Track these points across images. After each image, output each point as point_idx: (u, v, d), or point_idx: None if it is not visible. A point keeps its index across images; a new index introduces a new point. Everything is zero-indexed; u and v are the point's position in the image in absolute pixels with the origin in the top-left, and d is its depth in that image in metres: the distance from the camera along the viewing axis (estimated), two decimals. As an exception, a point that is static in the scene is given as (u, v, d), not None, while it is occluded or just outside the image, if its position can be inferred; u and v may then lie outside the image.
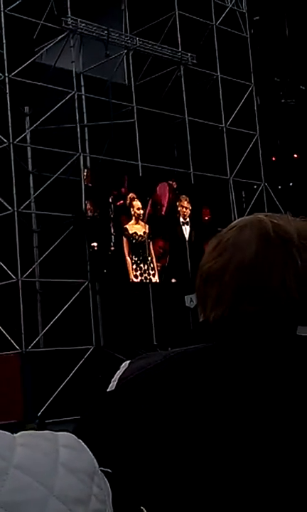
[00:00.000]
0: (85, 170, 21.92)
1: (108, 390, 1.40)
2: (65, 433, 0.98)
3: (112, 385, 1.40)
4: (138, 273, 21.60)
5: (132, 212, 21.69)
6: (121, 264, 21.31)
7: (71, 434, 0.98)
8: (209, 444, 1.25)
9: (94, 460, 0.96)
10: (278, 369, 1.32)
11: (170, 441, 1.27)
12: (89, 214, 21.26)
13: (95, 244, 20.99)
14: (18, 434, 0.94)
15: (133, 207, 21.77)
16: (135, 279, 21.52)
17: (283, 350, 1.34)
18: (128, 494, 1.18)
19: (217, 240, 1.48)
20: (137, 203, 21.69)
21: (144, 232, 21.79)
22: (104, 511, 0.92)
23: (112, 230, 21.36)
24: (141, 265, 21.65)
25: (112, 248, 21.33)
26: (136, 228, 21.52)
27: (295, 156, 27.77)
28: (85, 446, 0.97)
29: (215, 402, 1.29)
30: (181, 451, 1.26)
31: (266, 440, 1.24)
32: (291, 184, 27.57)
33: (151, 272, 21.90)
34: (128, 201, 21.71)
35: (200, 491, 1.23)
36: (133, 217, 21.72)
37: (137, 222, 21.66)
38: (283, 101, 27.81)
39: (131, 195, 21.81)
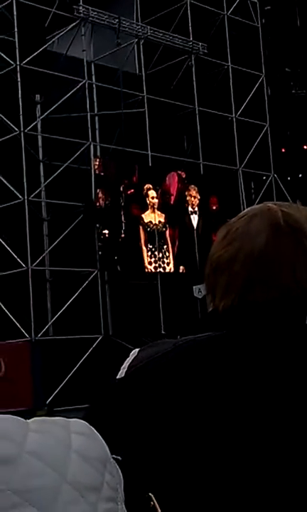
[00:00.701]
0: (97, 159, 21.90)
1: (117, 377, 1.41)
2: (77, 420, 0.99)
3: (121, 373, 1.41)
4: (152, 260, 21.80)
5: (148, 202, 21.93)
6: (132, 251, 21.48)
7: (83, 421, 0.99)
8: (217, 431, 1.26)
9: (106, 447, 0.97)
10: (288, 358, 1.32)
11: (178, 428, 1.28)
12: (101, 202, 21.31)
13: (106, 231, 21.14)
14: (31, 420, 0.95)
15: (148, 196, 22.01)
16: (149, 266, 21.66)
17: (292, 340, 1.34)
18: (137, 481, 1.19)
19: (226, 229, 1.48)
20: (152, 193, 21.94)
21: (159, 221, 21.96)
22: (115, 498, 0.92)
23: (123, 218, 21.47)
24: (156, 253, 21.85)
25: (123, 235, 21.44)
26: (152, 217, 21.78)
27: (305, 147, 27.67)
28: (97, 433, 0.98)
29: (224, 391, 1.29)
30: (189, 438, 1.27)
31: (274, 429, 1.25)
32: (300, 175, 27.47)
33: (166, 261, 22.08)
34: (144, 191, 21.94)
35: (208, 478, 1.24)
36: (149, 207, 21.92)
37: (153, 211, 21.90)
38: (293, 91, 27.68)
39: (147, 185, 21.99)
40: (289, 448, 1.24)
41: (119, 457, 1.06)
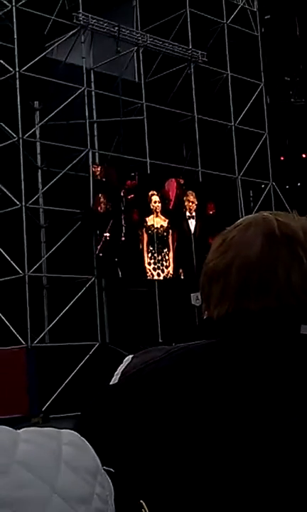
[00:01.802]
0: (99, 166, 22.13)
1: (111, 383, 1.40)
2: (69, 431, 0.98)
3: (115, 379, 1.41)
4: (152, 261, 22.22)
5: (151, 207, 22.49)
6: (132, 254, 21.87)
7: (75, 432, 0.98)
8: (211, 440, 1.25)
9: (97, 459, 0.96)
10: (281, 367, 1.31)
11: (172, 436, 1.27)
12: (102, 207, 21.61)
13: (107, 234, 21.51)
14: (22, 430, 0.94)
15: (151, 201, 22.56)
16: (148, 266, 22.05)
17: (286, 349, 1.34)
18: (129, 493, 1.18)
19: (222, 237, 1.48)
20: (156, 198, 22.51)
21: (161, 226, 22.50)
22: (105, 510, 0.91)
23: (123, 222, 21.89)
24: (155, 255, 22.30)
25: (123, 239, 21.82)
26: (154, 221, 22.37)
27: (304, 155, 27.71)
28: (88, 444, 0.97)
29: (217, 399, 1.28)
30: (182, 446, 1.26)
31: (267, 437, 1.24)
32: (298, 184, 27.51)
33: (165, 264, 22.53)
34: (149, 197, 22.54)
35: (202, 487, 1.23)
36: (153, 211, 22.54)
37: (157, 216, 22.47)
38: (292, 100, 27.75)
39: (151, 192, 22.53)
40: (283, 458, 1.23)
41: (111, 469, 1.05)
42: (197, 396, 1.30)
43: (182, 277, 22.78)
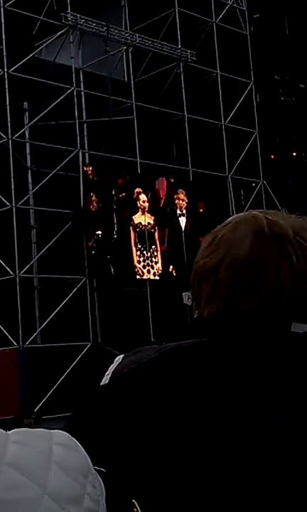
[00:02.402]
0: (91, 166, 22.25)
1: (101, 384, 1.40)
2: (59, 431, 0.98)
3: (105, 379, 1.40)
4: (141, 259, 22.51)
5: (138, 205, 22.80)
6: (123, 250, 22.17)
7: (65, 433, 0.97)
8: (201, 440, 1.24)
9: (88, 459, 0.95)
10: (272, 365, 1.31)
11: (163, 436, 1.27)
12: (94, 205, 21.85)
13: (99, 232, 21.78)
14: (12, 431, 0.93)
15: (139, 200, 22.82)
16: (138, 264, 22.38)
17: (277, 347, 1.33)
18: (121, 493, 1.17)
19: (211, 236, 1.47)
20: (143, 197, 22.79)
21: (148, 223, 22.84)
22: (97, 510, 0.91)
23: (115, 220, 22.20)
24: (144, 252, 22.61)
25: (115, 236, 22.17)
26: (141, 219, 22.68)
27: (294, 154, 27.76)
28: (79, 444, 0.96)
29: (208, 398, 1.28)
30: (173, 446, 1.25)
31: (259, 437, 1.24)
32: (289, 182, 27.56)
33: (154, 260, 22.84)
34: (135, 195, 22.79)
35: (194, 489, 1.23)
36: (140, 210, 22.79)
37: (143, 214, 22.77)
38: (282, 99, 27.79)
39: (137, 189, 22.81)
40: (273, 456, 1.23)
41: (103, 469, 1.04)
42: (188, 395, 1.29)
43: (174, 274, 22.90)
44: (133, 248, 22.44)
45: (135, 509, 1.15)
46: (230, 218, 1.50)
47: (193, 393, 1.29)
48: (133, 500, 1.16)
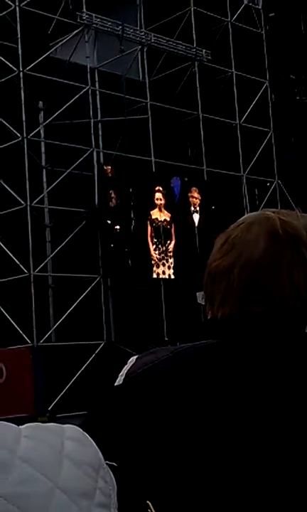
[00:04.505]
0: (110, 166, 22.56)
1: (115, 384, 1.41)
2: (70, 426, 0.99)
3: (119, 380, 1.41)
4: (157, 252, 23.03)
5: (155, 202, 23.36)
6: (140, 244, 22.73)
7: (77, 427, 0.98)
8: (214, 440, 1.25)
9: (100, 453, 0.96)
10: (285, 368, 1.32)
11: (176, 436, 1.27)
12: (113, 201, 22.30)
13: (118, 227, 22.31)
14: (24, 426, 0.94)
15: (155, 197, 23.35)
16: (154, 254, 23.02)
17: (291, 349, 1.34)
18: (133, 488, 1.18)
19: (224, 236, 1.48)
20: (159, 195, 23.37)
21: (164, 219, 23.36)
22: (108, 505, 0.92)
23: (132, 215, 22.75)
24: (160, 246, 23.16)
25: (132, 231, 22.74)
26: (158, 215, 23.27)
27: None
28: (91, 439, 0.97)
29: (221, 399, 1.29)
30: (186, 446, 1.26)
31: (270, 437, 1.24)
32: (304, 182, 27.46)
33: (169, 254, 23.31)
34: (151, 193, 23.35)
35: (206, 486, 1.23)
36: (157, 206, 23.34)
37: (160, 210, 23.35)
38: (297, 98, 27.70)
39: (157, 187, 23.34)
40: (287, 458, 1.23)
41: (114, 463, 1.05)
42: (200, 397, 1.30)
43: (187, 266, 23.20)
44: (150, 242, 23.07)
45: (149, 510, 1.16)
46: (243, 218, 1.50)
47: (206, 395, 1.30)
48: (148, 502, 1.16)
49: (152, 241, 23.06)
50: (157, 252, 23.01)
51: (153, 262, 22.82)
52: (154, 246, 23.00)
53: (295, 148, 27.58)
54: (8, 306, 20.30)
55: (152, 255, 22.89)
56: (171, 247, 23.40)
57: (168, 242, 23.40)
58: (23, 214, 20.36)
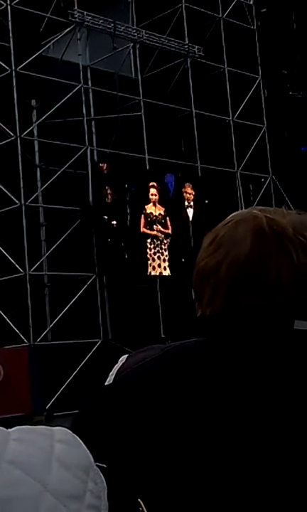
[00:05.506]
0: (105, 164, 22.62)
1: (106, 383, 1.41)
2: (60, 428, 0.98)
3: (110, 379, 1.41)
4: (152, 246, 23.20)
5: (150, 197, 23.56)
6: (136, 238, 22.95)
7: (66, 429, 0.98)
8: (206, 439, 1.25)
9: (90, 455, 0.96)
10: (276, 363, 1.32)
11: (167, 436, 1.27)
12: (110, 198, 22.42)
13: (114, 222, 22.49)
14: (13, 429, 0.94)
15: (149, 192, 23.55)
16: (149, 244, 23.16)
17: (280, 344, 1.34)
18: (124, 489, 1.18)
19: (212, 235, 1.48)
20: (153, 190, 23.59)
21: (159, 214, 23.63)
22: (99, 507, 0.91)
23: (128, 210, 23.01)
24: (154, 240, 23.40)
25: (128, 226, 22.97)
26: (153, 209, 23.54)
27: (303, 149, 27.66)
28: (81, 441, 0.97)
29: (212, 397, 1.29)
30: (178, 446, 1.26)
31: (263, 435, 1.24)
32: (298, 177, 27.46)
33: (164, 247, 23.48)
34: (148, 188, 23.57)
35: (198, 487, 1.23)
36: (151, 201, 23.54)
37: (154, 205, 23.60)
38: (290, 93, 27.70)
39: (151, 183, 23.50)
40: (277, 454, 1.23)
41: (104, 465, 1.05)
42: (190, 394, 1.30)
43: (183, 260, 23.19)
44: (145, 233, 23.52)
45: (140, 508, 1.16)
46: (230, 216, 1.51)
47: (195, 392, 1.30)
48: (139, 500, 1.16)
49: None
50: (152, 246, 23.19)
51: (148, 255, 22.96)
52: (149, 240, 23.17)
53: (289, 143, 27.58)
54: (4, 305, 20.28)
55: (148, 247, 23.13)
56: (166, 241, 23.60)
57: (163, 235, 23.64)
58: (17, 213, 20.35)
